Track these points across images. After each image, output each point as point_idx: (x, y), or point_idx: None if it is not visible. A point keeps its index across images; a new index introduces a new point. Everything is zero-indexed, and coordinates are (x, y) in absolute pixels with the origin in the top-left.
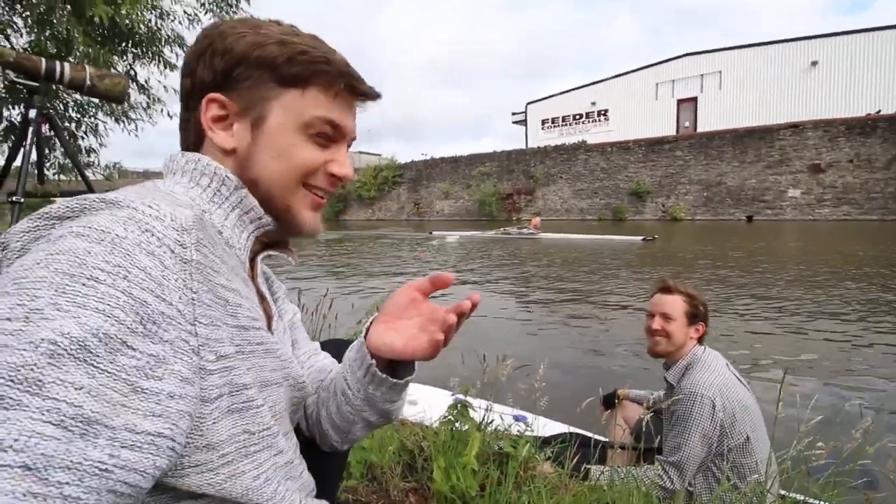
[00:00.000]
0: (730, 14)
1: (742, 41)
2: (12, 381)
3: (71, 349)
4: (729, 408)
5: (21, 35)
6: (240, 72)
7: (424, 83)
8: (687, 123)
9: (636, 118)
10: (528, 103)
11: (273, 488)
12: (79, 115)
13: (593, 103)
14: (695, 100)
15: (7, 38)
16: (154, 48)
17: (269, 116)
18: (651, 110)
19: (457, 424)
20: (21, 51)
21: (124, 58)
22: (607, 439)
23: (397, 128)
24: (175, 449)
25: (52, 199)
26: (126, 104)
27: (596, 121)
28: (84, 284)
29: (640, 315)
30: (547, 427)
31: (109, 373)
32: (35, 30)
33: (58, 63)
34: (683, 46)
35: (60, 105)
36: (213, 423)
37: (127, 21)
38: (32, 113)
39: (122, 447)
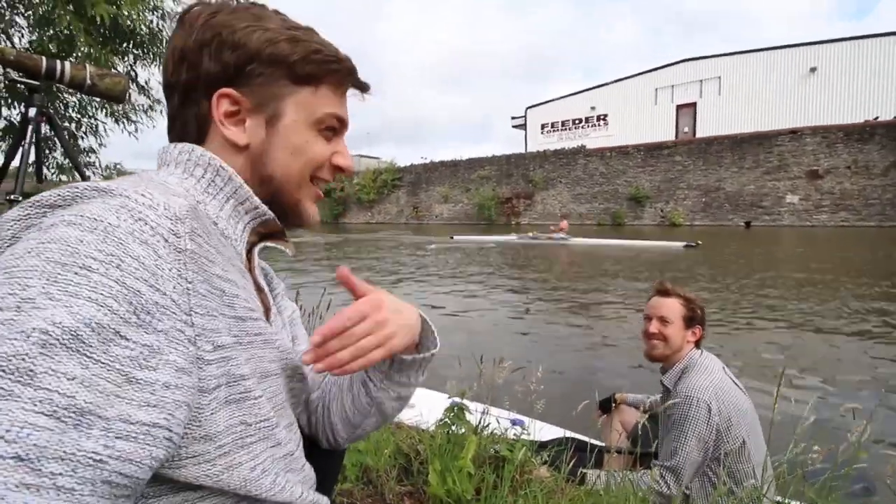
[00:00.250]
0: (730, 19)
1: (741, 47)
2: (3, 370)
3: (63, 339)
4: (725, 412)
5: (23, 35)
6: (252, 68)
7: (424, 85)
8: (686, 129)
9: (635, 123)
10: (528, 108)
11: (272, 479)
12: (79, 115)
13: (593, 108)
14: (694, 105)
15: (9, 37)
16: (155, 49)
17: (284, 114)
18: (650, 115)
19: (453, 428)
20: (22, 50)
21: (125, 58)
22: (604, 444)
23: (397, 131)
24: (172, 439)
25: None
26: (126, 104)
27: (595, 125)
28: (76, 273)
29: (640, 318)
30: (543, 431)
31: (103, 363)
32: (37, 29)
33: (58, 62)
34: (683, 51)
35: (61, 105)
36: (211, 413)
37: (129, 22)
38: (32, 112)
39: (116, 438)
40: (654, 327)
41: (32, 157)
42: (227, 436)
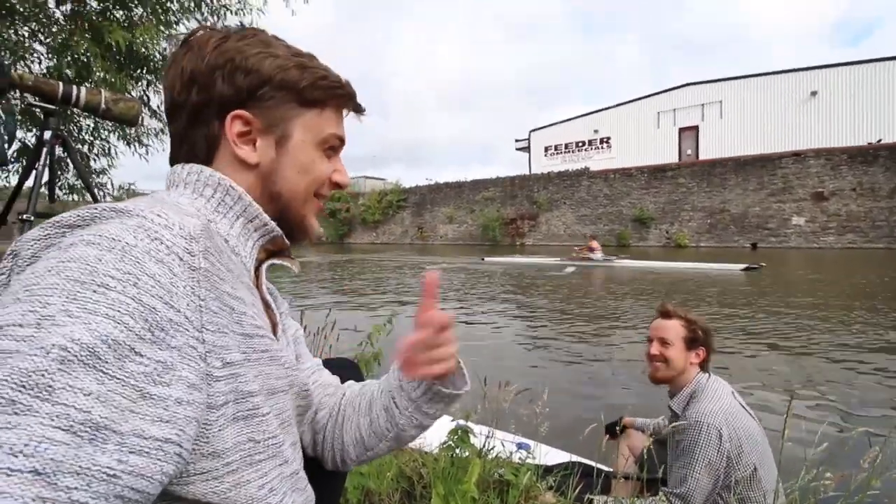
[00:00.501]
0: (730, 46)
1: (742, 71)
2: (24, 386)
3: (81, 355)
4: (736, 438)
5: (41, 61)
6: (264, 91)
7: (430, 109)
8: (689, 151)
9: (638, 146)
10: (532, 130)
11: (278, 499)
12: (91, 138)
13: (596, 131)
14: (696, 128)
15: (27, 64)
16: None
17: (292, 134)
18: (653, 138)
19: (457, 451)
20: (40, 75)
21: (139, 83)
22: (611, 469)
23: (402, 153)
24: (182, 455)
25: None
26: (139, 127)
27: (598, 148)
28: (95, 291)
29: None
30: (549, 455)
31: (118, 379)
32: (55, 56)
33: (74, 87)
34: (685, 75)
35: (75, 128)
36: (219, 430)
37: (143, 48)
38: (47, 134)
39: (130, 452)
40: (655, 349)
41: (46, 178)
42: (235, 453)
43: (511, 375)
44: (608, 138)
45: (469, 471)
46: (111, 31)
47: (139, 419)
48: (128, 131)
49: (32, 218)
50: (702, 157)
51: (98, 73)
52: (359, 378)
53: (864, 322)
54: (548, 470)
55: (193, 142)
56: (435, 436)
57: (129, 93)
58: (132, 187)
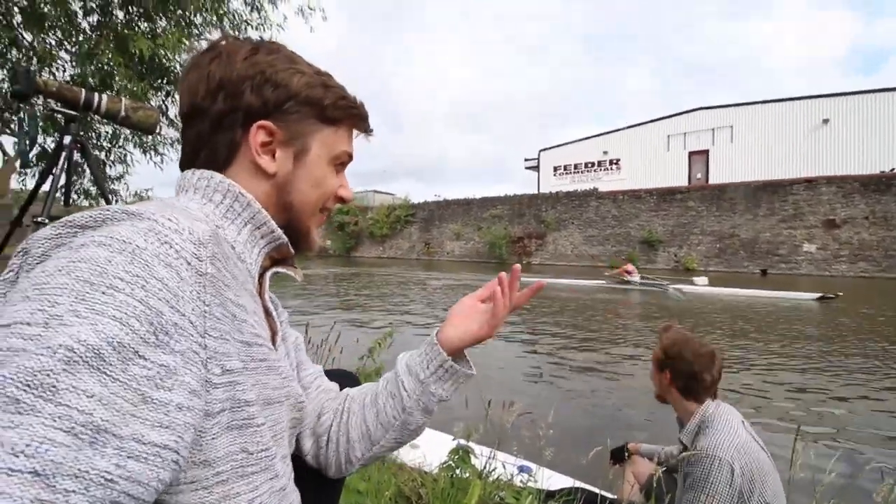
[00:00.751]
0: (741, 72)
1: (753, 98)
2: (28, 385)
3: (86, 356)
4: (748, 472)
5: (65, 69)
6: (289, 105)
7: (441, 126)
8: (699, 175)
9: (648, 168)
10: (541, 150)
11: None
12: (109, 145)
13: (605, 152)
14: (706, 152)
15: (52, 71)
16: None
17: (310, 149)
18: (663, 161)
19: (457, 471)
20: (64, 82)
21: (159, 93)
22: (615, 496)
23: (412, 168)
24: (178, 462)
25: None
26: (156, 136)
27: (608, 169)
28: (104, 293)
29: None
30: (552, 480)
31: (121, 382)
32: (81, 64)
33: (96, 94)
34: (695, 101)
35: (93, 134)
36: (213, 438)
37: (165, 61)
38: (67, 139)
39: (128, 457)
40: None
41: (62, 182)
42: (226, 462)
43: (516, 396)
44: (618, 160)
45: (469, 492)
46: (136, 40)
47: (139, 423)
48: (144, 139)
49: (47, 221)
50: (712, 181)
51: (121, 82)
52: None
53: (885, 353)
54: (550, 495)
55: (214, 147)
56: (435, 455)
57: (149, 101)
58: (148, 193)
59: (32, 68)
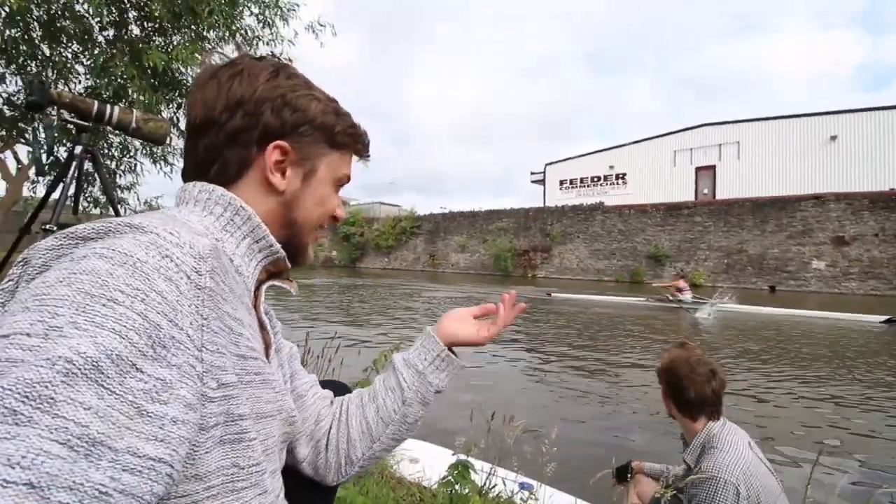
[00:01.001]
0: (747, 88)
1: (761, 114)
2: (27, 397)
3: (85, 369)
4: (754, 495)
5: (80, 81)
6: (305, 129)
7: (447, 141)
8: (706, 190)
9: (654, 183)
10: (547, 164)
11: None
12: (120, 154)
13: (611, 167)
14: (713, 168)
15: (68, 84)
16: None
17: (318, 170)
18: (669, 176)
19: (457, 487)
20: (77, 94)
21: (171, 105)
22: None
23: (418, 182)
24: (172, 476)
25: None
26: (166, 147)
27: (614, 183)
28: (104, 305)
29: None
30: (553, 498)
31: (118, 394)
32: (96, 76)
33: (108, 106)
34: (699, 117)
35: (105, 144)
36: (205, 452)
37: (177, 74)
38: (78, 149)
39: (123, 470)
40: None
41: (72, 191)
42: (217, 477)
43: (519, 412)
44: (624, 174)
45: None
46: (150, 54)
47: (135, 437)
48: (155, 150)
49: (55, 228)
50: (719, 196)
51: (134, 94)
52: None
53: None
54: None
55: (226, 161)
56: (434, 470)
57: (161, 113)
58: (157, 201)
59: (47, 80)
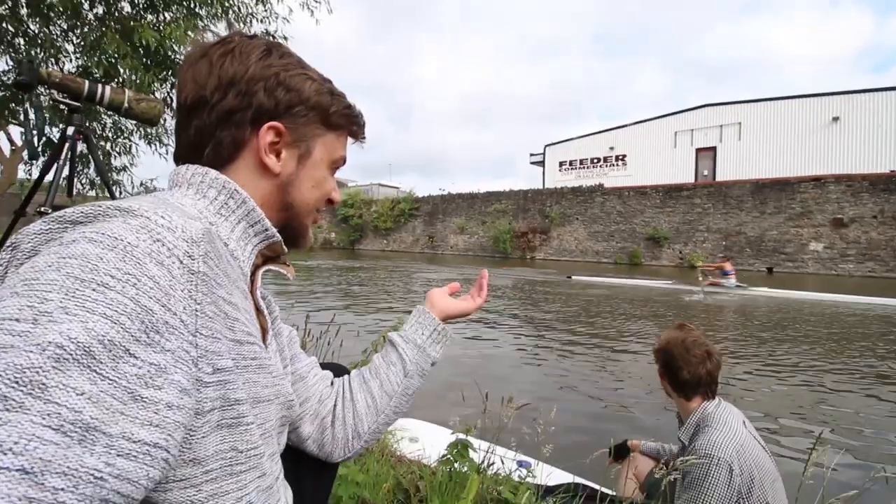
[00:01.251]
0: (751, 70)
1: (762, 95)
2: (17, 382)
3: (76, 354)
4: (747, 472)
5: (71, 60)
6: (299, 109)
7: (448, 121)
8: (706, 172)
9: (654, 165)
10: (547, 145)
11: None
12: (114, 135)
13: (611, 148)
14: (714, 149)
15: (58, 61)
16: None
17: (313, 151)
18: (669, 158)
19: (456, 465)
20: (68, 73)
21: (164, 85)
22: (615, 493)
23: (418, 163)
24: (169, 461)
25: None
26: (160, 127)
27: (614, 165)
28: (94, 290)
29: None
30: (551, 475)
31: (111, 380)
32: (86, 55)
33: (99, 85)
34: (703, 99)
35: (98, 125)
36: (202, 437)
37: (170, 52)
38: (70, 130)
39: (118, 455)
40: None
41: (66, 173)
42: (216, 461)
43: (518, 392)
44: (624, 156)
45: (467, 487)
46: (142, 32)
47: (129, 422)
48: (149, 131)
49: (50, 211)
50: (719, 178)
51: (125, 73)
52: None
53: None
54: (549, 490)
55: (219, 142)
56: (434, 449)
57: (154, 93)
58: (153, 183)
59: (36, 59)
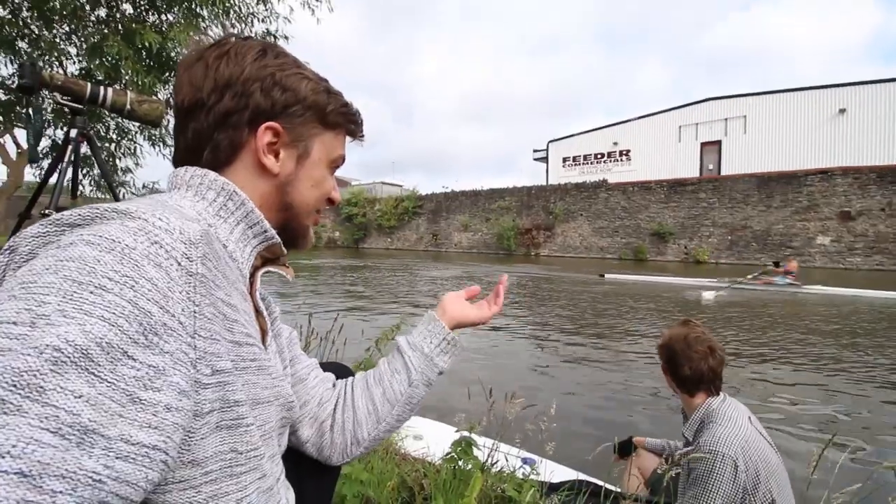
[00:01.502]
0: (756, 62)
1: (767, 87)
2: (14, 386)
3: (74, 357)
4: (753, 468)
5: (74, 62)
6: (296, 109)
7: (450, 119)
8: (711, 166)
9: (659, 159)
10: (550, 141)
11: None
12: (119, 137)
13: (615, 143)
14: (719, 143)
15: (61, 64)
16: None
17: (312, 151)
18: (674, 152)
19: (460, 463)
20: (70, 76)
21: (167, 86)
22: (619, 490)
23: (421, 161)
24: (167, 463)
25: None
26: (163, 128)
27: (618, 160)
28: (92, 292)
29: None
30: (555, 473)
31: (109, 382)
32: (88, 57)
33: (102, 88)
34: (708, 92)
35: (102, 127)
36: (201, 438)
37: (173, 53)
38: (73, 133)
39: (116, 458)
40: None
41: (69, 175)
42: (215, 462)
43: (522, 389)
44: (628, 151)
45: (471, 484)
46: (143, 34)
47: (127, 424)
48: (153, 132)
49: (53, 213)
50: (724, 172)
51: (128, 75)
52: None
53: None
54: (553, 488)
55: (217, 144)
56: (438, 446)
57: (157, 94)
58: (156, 185)
59: (38, 62)
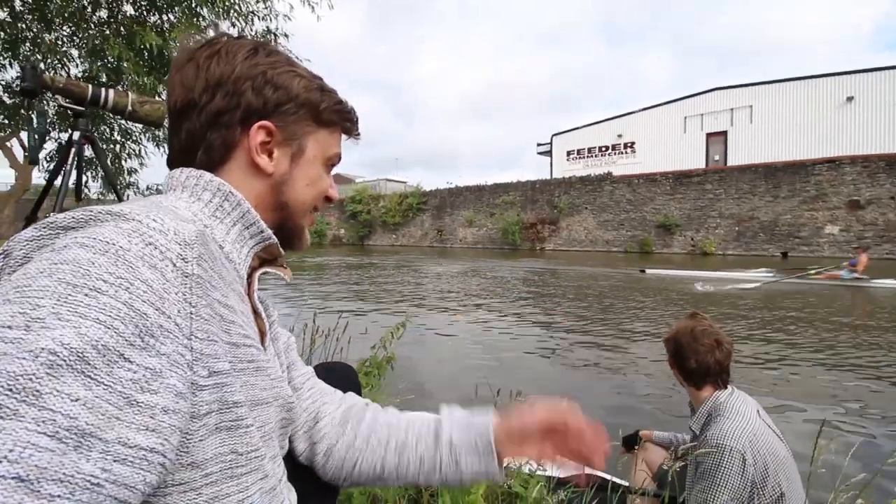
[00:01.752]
0: (763, 52)
1: (775, 77)
2: (10, 390)
3: (70, 360)
4: (761, 462)
5: (76, 64)
6: (289, 107)
7: (454, 114)
8: (717, 157)
9: (664, 151)
10: (554, 135)
11: None
12: (122, 139)
13: (620, 136)
14: (724, 134)
15: (64, 66)
16: None
17: (306, 149)
18: (679, 143)
19: None
20: (72, 78)
21: None
22: (627, 483)
23: (425, 157)
24: (165, 465)
25: None
26: (164, 129)
27: (622, 153)
28: (87, 295)
29: None
30: (562, 467)
31: (106, 385)
32: (88, 60)
33: (103, 89)
34: (715, 82)
35: (106, 129)
36: (200, 440)
37: (174, 53)
38: (76, 135)
39: (114, 461)
40: None
41: (73, 178)
42: (215, 464)
43: (528, 383)
44: (632, 143)
45: None
46: (144, 36)
47: (125, 427)
48: (157, 133)
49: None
50: (730, 163)
51: (129, 76)
52: (354, 382)
53: None
54: (560, 483)
55: (210, 144)
56: None
57: (158, 95)
58: (160, 187)
59: (39, 65)
